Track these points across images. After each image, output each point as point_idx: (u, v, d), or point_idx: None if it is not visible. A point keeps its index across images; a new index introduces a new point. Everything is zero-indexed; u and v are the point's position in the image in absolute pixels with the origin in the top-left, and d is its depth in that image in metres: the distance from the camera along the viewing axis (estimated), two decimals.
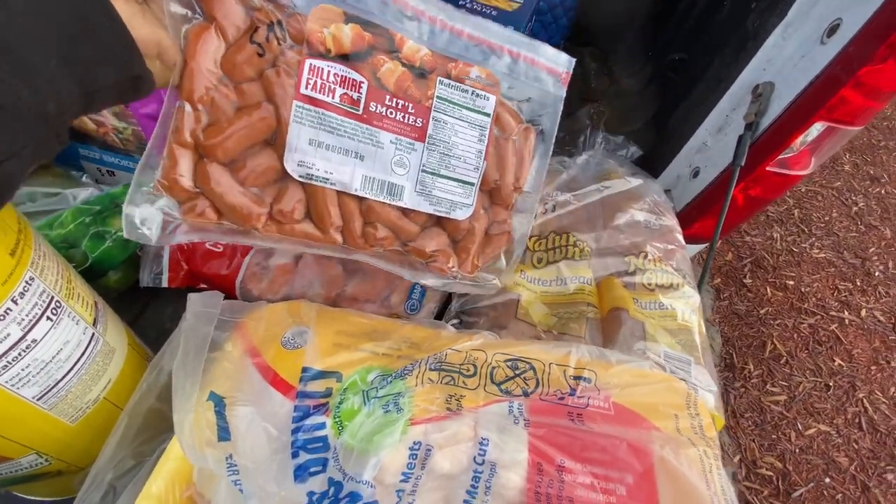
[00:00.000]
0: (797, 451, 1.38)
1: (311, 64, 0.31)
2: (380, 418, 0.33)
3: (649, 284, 0.53)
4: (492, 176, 0.39)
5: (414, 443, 0.33)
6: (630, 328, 0.48)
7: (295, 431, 0.32)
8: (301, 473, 0.30)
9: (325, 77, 0.31)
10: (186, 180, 0.30)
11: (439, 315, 0.53)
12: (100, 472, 0.33)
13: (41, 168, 0.52)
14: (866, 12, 0.49)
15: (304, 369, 0.36)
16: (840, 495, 1.31)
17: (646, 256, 0.54)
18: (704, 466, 0.35)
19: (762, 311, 1.68)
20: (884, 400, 1.52)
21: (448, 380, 0.36)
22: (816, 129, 0.60)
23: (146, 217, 0.29)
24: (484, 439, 0.34)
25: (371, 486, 0.30)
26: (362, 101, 0.32)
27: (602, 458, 0.35)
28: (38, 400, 0.29)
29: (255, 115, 0.30)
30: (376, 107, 0.33)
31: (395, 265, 0.37)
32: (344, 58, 0.32)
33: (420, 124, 0.35)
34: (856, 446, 1.41)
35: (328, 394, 0.35)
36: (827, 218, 1.98)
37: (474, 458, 0.33)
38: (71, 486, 0.39)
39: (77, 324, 0.30)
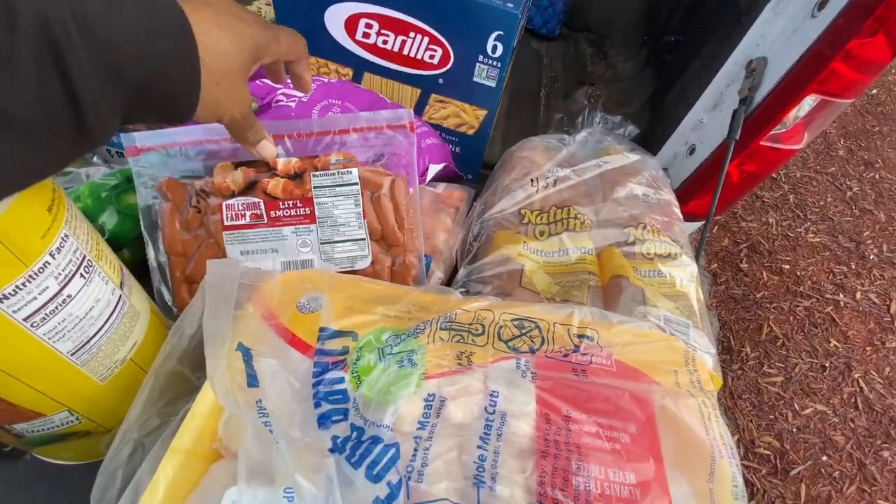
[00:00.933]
0: (794, 430, 1.40)
1: (225, 204, 0.46)
2: (395, 372, 0.35)
3: (648, 254, 0.54)
4: (375, 227, 0.49)
5: (428, 395, 0.34)
6: (631, 294, 0.50)
7: (315, 385, 0.34)
8: (324, 421, 0.31)
9: (235, 209, 0.46)
10: (187, 297, 0.48)
11: (446, 285, 0.55)
12: (128, 430, 0.35)
13: None
14: None
15: (321, 329, 0.37)
16: (837, 473, 1.33)
17: (644, 227, 0.56)
18: (703, 414, 0.37)
19: (758, 295, 1.70)
20: (879, 380, 1.54)
21: (458, 338, 0.38)
22: (809, 102, 0.62)
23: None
24: (494, 392, 0.35)
25: (391, 430, 0.31)
26: (264, 213, 0.46)
27: (606, 408, 0.36)
28: (72, 355, 0.31)
29: (206, 249, 0.47)
30: (275, 213, 0.47)
31: None
32: (244, 190, 0.46)
33: (308, 212, 0.47)
34: (852, 425, 1.43)
35: (345, 352, 0.37)
36: (822, 203, 2.00)
37: (486, 408, 0.34)
38: (97, 448, 0.41)
39: (106, 284, 0.32)
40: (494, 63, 0.59)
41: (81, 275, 0.29)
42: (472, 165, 0.74)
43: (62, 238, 0.28)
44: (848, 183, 2.10)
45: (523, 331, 0.40)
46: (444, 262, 0.55)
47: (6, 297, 0.25)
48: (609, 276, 0.52)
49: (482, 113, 0.66)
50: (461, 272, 0.54)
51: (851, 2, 0.51)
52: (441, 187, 0.64)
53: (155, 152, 0.45)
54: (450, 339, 0.38)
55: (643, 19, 1.10)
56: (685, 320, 0.50)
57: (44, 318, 0.28)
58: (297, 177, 0.46)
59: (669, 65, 0.95)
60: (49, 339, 0.29)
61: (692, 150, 0.73)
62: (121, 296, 0.34)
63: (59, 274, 0.28)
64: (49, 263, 0.27)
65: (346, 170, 0.46)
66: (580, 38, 1.19)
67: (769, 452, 1.35)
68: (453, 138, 0.71)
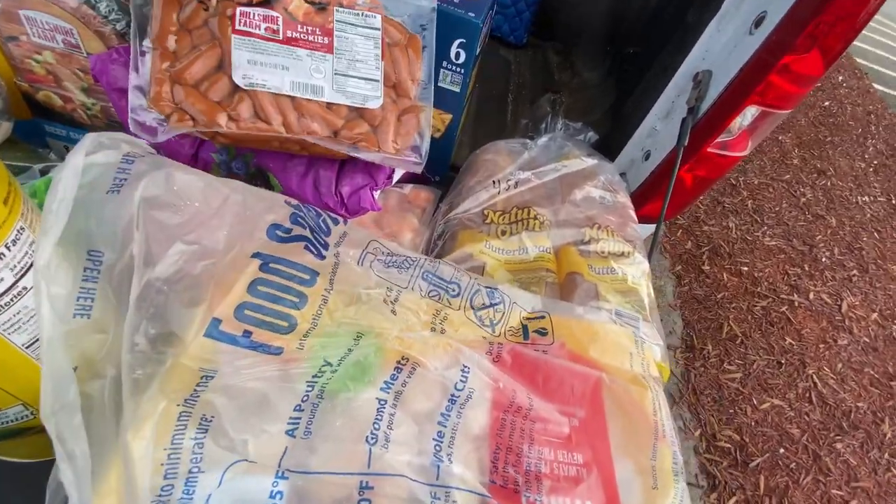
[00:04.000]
0: (753, 424, 1.47)
1: (240, 10, 0.45)
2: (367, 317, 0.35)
3: (602, 252, 0.57)
4: (390, 74, 0.50)
5: (402, 358, 0.35)
6: (585, 289, 0.52)
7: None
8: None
9: (251, 17, 0.45)
10: (167, 100, 0.44)
11: None
12: None
13: (7, 143, 0.52)
14: (787, 4, 0.55)
15: None
16: (794, 464, 1.39)
17: (599, 228, 0.59)
18: (650, 397, 0.40)
19: (719, 296, 1.77)
20: (832, 375, 1.62)
21: (434, 294, 0.39)
22: (751, 112, 0.66)
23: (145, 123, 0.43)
24: (466, 367, 0.36)
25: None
26: (280, 30, 0.46)
27: (559, 391, 0.39)
28: (27, 348, 0.31)
29: (206, 50, 0.44)
30: (291, 33, 0.46)
31: (335, 146, 0.47)
32: (262, 4, 0.46)
33: (327, 42, 0.47)
34: (807, 419, 1.50)
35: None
36: (777, 208, 2.11)
37: (455, 384, 0.35)
38: (50, 447, 0.41)
39: None
40: (458, 69, 0.62)
41: None
42: (439, 167, 0.76)
43: (18, 230, 0.28)
44: (802, 190, 2.22)
45: (492, 301, 0.42)
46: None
47: None
48: (565, 272, 0.55)
49: (447, 117, 0.68)
50: None
51: (784, 19, 0.56)
52: (408, 188, 0.66)
53: None
54: (426, 294, 0.39)
55: (607, 31, 1.15)
56: (636, 314, 0.52)
57: None
58: (321, 7, 0.47)
59: (629, 75, 0.99)
60: (4, 330, 0.29)
61: (647, 156, 0.77)
62: None
63: (15, 266, 0.28)
64: (4, 255, 0.27)
65: (370, 13, 0.48)
66: (547, 48, 1.23)
67: (730, 445, 1.40)
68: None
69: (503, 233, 0.58)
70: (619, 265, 0.56)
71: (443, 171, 0.77)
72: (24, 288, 0.29)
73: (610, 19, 1.17)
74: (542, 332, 0.44)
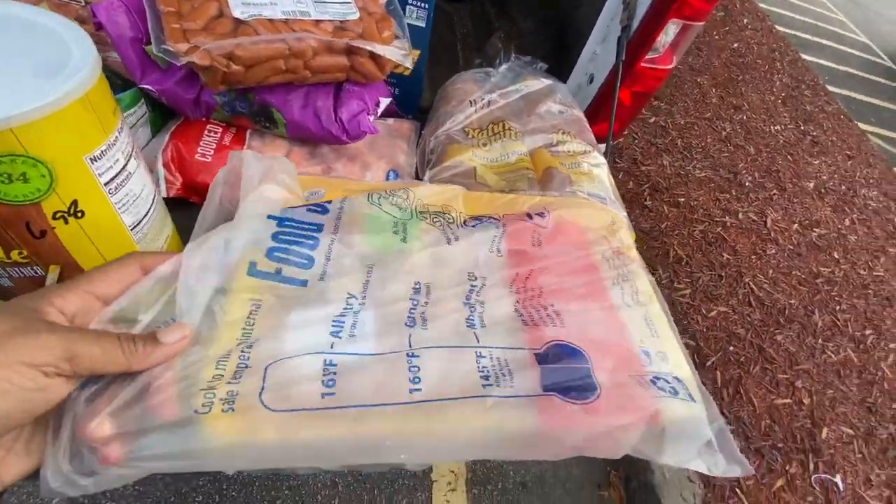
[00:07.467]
0: (704, 329, 1.65)
1: None
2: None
3: (569, 151, 0.68)
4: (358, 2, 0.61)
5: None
6: (560, 179, 0.63)
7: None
8: None
9: None
10: (182, 39, 0.50)
11: None
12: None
13: None
14: None
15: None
16: (743, 358, 1.58)
17: (564, 132, 0.70)
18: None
19: (663, 226, 1.95)
20: (765, 281, 1.84)
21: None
22: (673, 29, 0.79)
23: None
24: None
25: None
26: None
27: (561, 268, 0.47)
28: (132, 229, 0.36)
29: (204, 3, 0.53)
30: None
31: (335, 54, 0.57)
32: None
33: None
34: (749, 319, 1.70)
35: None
36: (703, 143, 2.33)
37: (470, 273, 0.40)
38: None
39: (148, 175, 0.38)
40: (423, 4, 0.69)
41: (134, 157, 0.36)
42: (411, 105, 0.83)
43: (122, 121, 0.34)
44: (722, 125, 2.45)
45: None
46: (407, 177, 0.65)
47: (96, 159, 0.31)
48: (542, 168, 0.65)
49: (416, 53, 0.75)
50: (426, 176, 0.64)
51: None
52: (391, 121, 0.74)
53: None
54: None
55: None
56: (603, 195, 0.64)
57: (117, 187, 0.34)
58: None
59: (564, 19, 1.10)
60: (119, 208, 0.35)
61: (591, 79, 0.89)
62: (155, 193, 0.40)
63: (124, 150, 0.34)
64: (118, 139, 0.33)
65: None
66: (484, 1, 1.32)
67: (687, 350, 1.58)
68: (392, 80, 0.78)
69: (484, 144, 0.67)
70: (584, 160, 0.67)
71: (414, 108, 0.84)
72: (130, 173, 0.35)
73: None
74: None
